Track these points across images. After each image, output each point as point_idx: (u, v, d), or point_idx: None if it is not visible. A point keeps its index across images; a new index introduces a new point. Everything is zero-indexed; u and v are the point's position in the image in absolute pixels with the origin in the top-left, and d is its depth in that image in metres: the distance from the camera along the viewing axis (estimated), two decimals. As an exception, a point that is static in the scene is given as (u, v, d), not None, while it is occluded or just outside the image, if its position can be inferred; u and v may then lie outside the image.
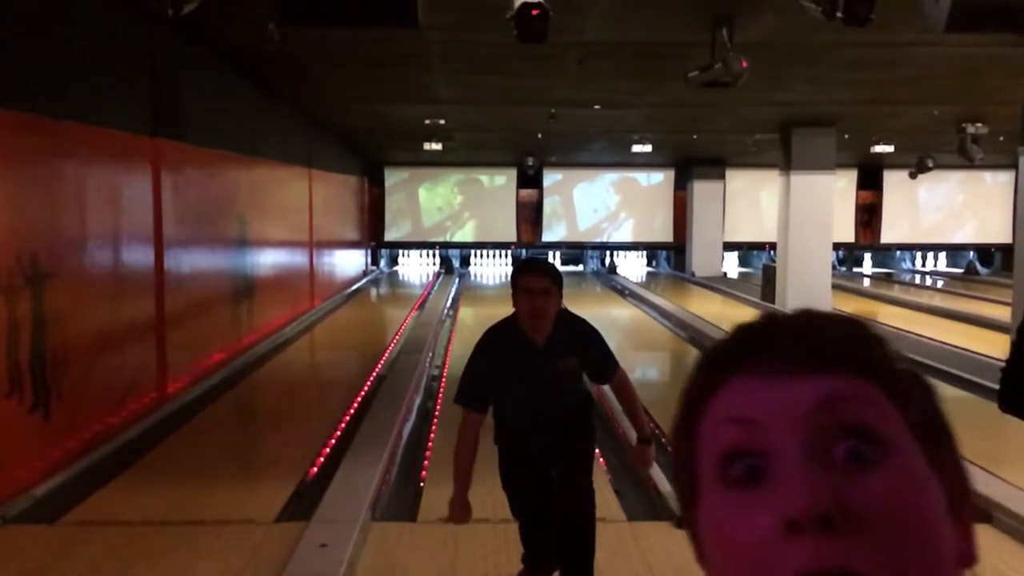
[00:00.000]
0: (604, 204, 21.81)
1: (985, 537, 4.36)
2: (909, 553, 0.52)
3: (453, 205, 21.92)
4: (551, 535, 3.39)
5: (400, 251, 22.54)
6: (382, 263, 22.12)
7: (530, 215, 21.86)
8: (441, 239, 21.94)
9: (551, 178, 21.72)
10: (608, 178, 21.59)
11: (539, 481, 3.41)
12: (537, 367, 3.25)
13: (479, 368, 3.34)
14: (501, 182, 21.84)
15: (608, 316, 12.58)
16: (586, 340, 3.43)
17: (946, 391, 7.94)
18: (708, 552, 0.58)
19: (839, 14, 4.78)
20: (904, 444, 0.55)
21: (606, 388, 4.07)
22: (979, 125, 13.01)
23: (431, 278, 20.05)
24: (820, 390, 0.55)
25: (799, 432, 0.54)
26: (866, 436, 0.54)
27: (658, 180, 22.14)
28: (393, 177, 21.66)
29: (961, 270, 23.13)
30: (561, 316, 3.33)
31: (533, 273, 3.25)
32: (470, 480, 3.35)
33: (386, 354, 9.51)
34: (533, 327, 3.24)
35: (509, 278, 3.44)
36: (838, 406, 0.55)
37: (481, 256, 22.64)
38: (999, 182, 22.18)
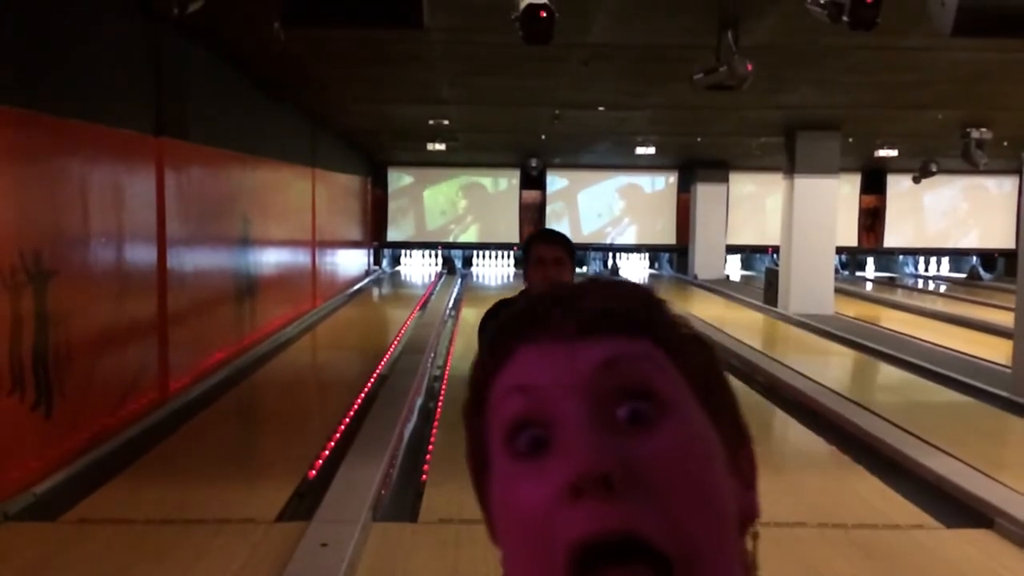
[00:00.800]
0: (608, 208, 21.81)
1: (986, 542, 4.35)
2: (691, 511, 0.52)
3: (457, 208, 21.93)
4: None
5: (402, 251, 22.56)
6: (384, 263, 22.12)
7: (533, 216, 21.86)
8: (444, 240, 21.96)
9: (556, 184, 21.71)
10: (612, 184, 21.59)
11: None
12: None
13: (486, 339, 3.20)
14: (504, 185, 21.83)
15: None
16: None
17: (948, 396, 7.93)
18: (497, 529, 0.57)
19: (845, 18, 4.78)
20: (684, 401, 0.55)
21: None
22: (983, 130, 12.99)
23: (433, 278, 20.05)
24: (598, 353, 0.55)
25: (580, 397, 0.54)
26: (647, 396, 0.54)
27: (661, 186, 22.14)
28: (397, 181, 21.67)
29: (964, 275, 23.09)
30: None
31: (546, 242, 3.11)
32: None
33: (388, 354, 9.51)
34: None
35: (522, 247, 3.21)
36: (618, 367, 0.55)
37: (483, 257, 22.64)
38: (1003, 187, 22.16)
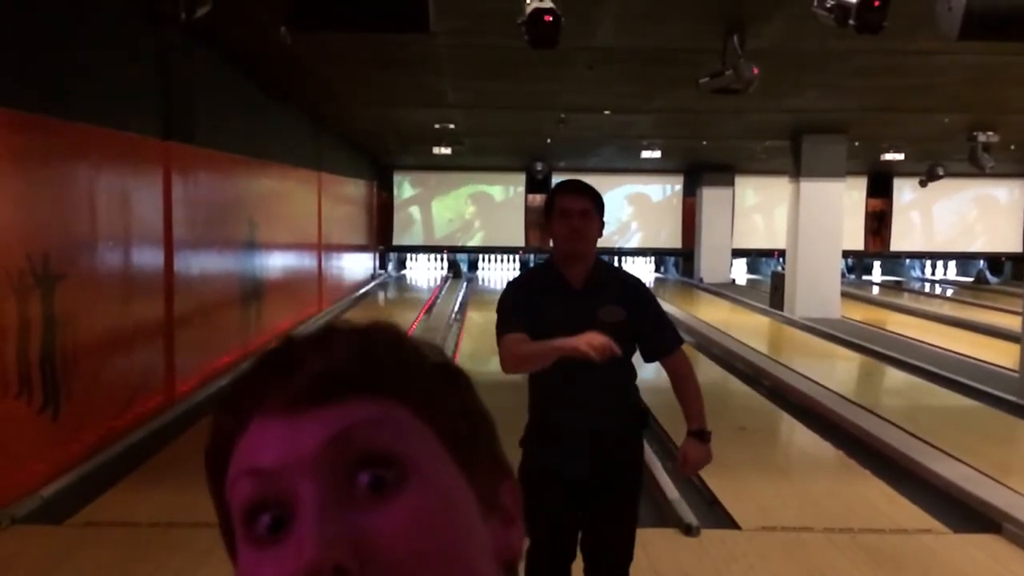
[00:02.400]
0: (615, 216, 21.79)
1: (994, 547, 4.34)
2: None
3: (464, 215, 21.93)
4: None
5: (408, 255, 22.57)
6: (390, 267, 22.14)
7: (539, 220, 21.85)
8: (450, 243, 21.97)
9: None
10: (618, 187, 21.58)
11: (567, 514, 2.77)
12: (574, 313, 2.64)
13: (511, 302, 2.78)
14: (511, 192, 21.83)
15: (616, 322, 12.53)
16: (639, 293, 2.85)
17: (955, 400, 7.91)
18: None
19: (851, 21, 4.77)
20: (429, 459, 0.52)
21: None
22: (990, 134, 12.96)
23: (439, 282, 20.05)
24: (330, 425, 0.51)
25: (311, 477, 0.50)
26: (387, 462, 0.50)
27: (667, 190, 22.13)
28: (403, 187, 21.69)
29: (971, 279, 23.02)
30: (605, 263, 2.88)
31: (572, 192, 2.77)
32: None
33: (394, 358, 9.51)
34: (569, 254, 2.74)
35: (544, 203, 2.90)
36: (351, 439, 0.51)
37: (489, 261, 22.64)
38: (1010, 191, 22.09)
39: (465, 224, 21.97)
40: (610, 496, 2.80)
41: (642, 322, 2.80)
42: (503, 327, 2.72)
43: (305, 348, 0.55)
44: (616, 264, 2.95)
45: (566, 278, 2.76)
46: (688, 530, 4.41)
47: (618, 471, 2.81)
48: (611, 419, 2.81)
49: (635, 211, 22.07)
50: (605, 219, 2.84)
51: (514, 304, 2.77)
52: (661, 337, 2.85)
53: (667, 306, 14.79)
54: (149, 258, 6.60)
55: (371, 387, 0.53)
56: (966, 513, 4.87)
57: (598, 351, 2.43)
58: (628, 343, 2.72)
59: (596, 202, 2.79)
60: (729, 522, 4.68)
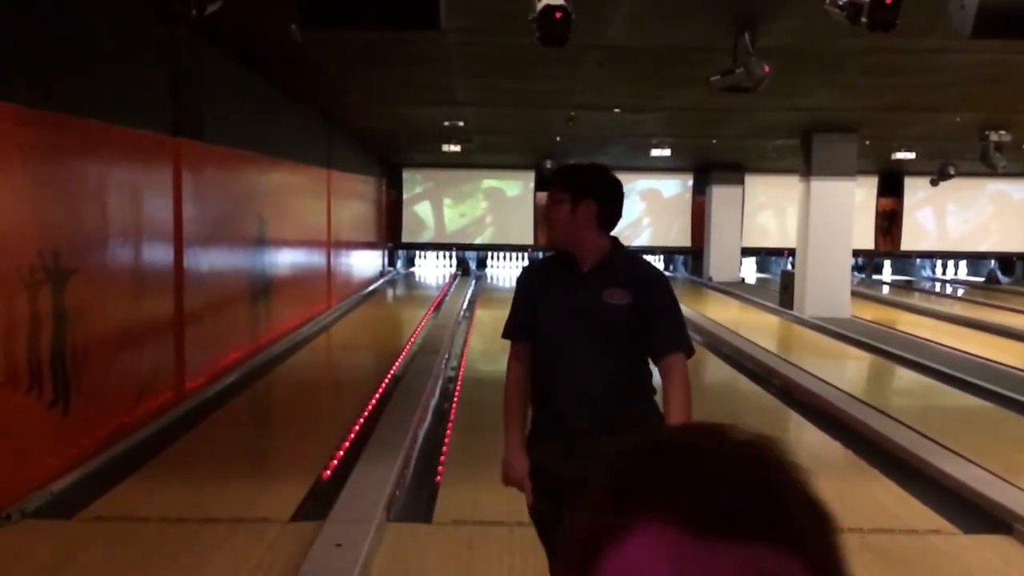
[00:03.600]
0: (624, 214, 21.72)
1: (1005, 548, 4.31)
2: None
3: (473, 212, 21.94)
4: None
5: (417, 252, 22.60)
6: (399, 264, 22.17)
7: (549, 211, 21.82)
8: (459, 241, 21.98)
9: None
10: (628, 186, 21.54)
11: (546, 513, 2.65)
12: (576, 294, 2.62)
13: (518, 292, 2.78)
14: (520, 190, 21.82)
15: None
16: (652, 283, 2.69)
17: (966, 400, 7.87)
18: None
19: (863, 19, 4.74)
20: None
21: None
22: (1002, 133, 12.89)
23: (447, 279, 20.07)
24: (744, 569, 0.49)
25: None
26: None
27: (677, 189, 22.09)
28: (412, 182, 21.70)
29: (982, 278, 22.91)
30: (623, 249, 2.76)
31: (551, 185, 2.77)
32: (522, 427, 2.72)
33: (402, 355, 9.53)
34: (553, 242, 2.76)
35: None
36: None
37: (498, 258, 22.64)
38: (1022, 190, 21.97)
39: (474, 222, 21.98)
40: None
41: (647, 310, 2.62)
42: (506, 328, 2.79)
43: (700, 459, 0.52)
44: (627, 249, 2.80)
45: (576, 261, 2.68)
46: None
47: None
48: (600, 419, 2.58)
49: (644, 209, 22.04)
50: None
51: (516, 299, 2.77)
52: (663, 332, 2.63)
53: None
54: (159, 254, 6.62)
55: (780, 535, 0.51)
56: (977, 514, 4.84)
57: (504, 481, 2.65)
58: (631, 332, 2.60)
59: (568, 187, 2.67)
60: (738, 521, 4.66)
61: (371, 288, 17.32)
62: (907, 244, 22.40)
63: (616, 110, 11.76)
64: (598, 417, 2.58)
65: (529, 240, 21.87)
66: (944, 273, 23.59)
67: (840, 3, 4.88)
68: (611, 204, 2.69)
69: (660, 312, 2.64)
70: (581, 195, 2.64)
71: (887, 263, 23.43)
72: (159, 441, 5.96)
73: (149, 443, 5.88)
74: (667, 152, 16.25)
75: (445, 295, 16.41)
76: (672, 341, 2.63)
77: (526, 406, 2.73)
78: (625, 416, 2.59)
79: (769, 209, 21.89)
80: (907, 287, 21.08)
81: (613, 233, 2.73)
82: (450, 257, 22.46)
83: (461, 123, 13.34)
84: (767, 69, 6.37)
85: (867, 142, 14.28)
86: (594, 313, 2.60)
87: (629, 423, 2.56)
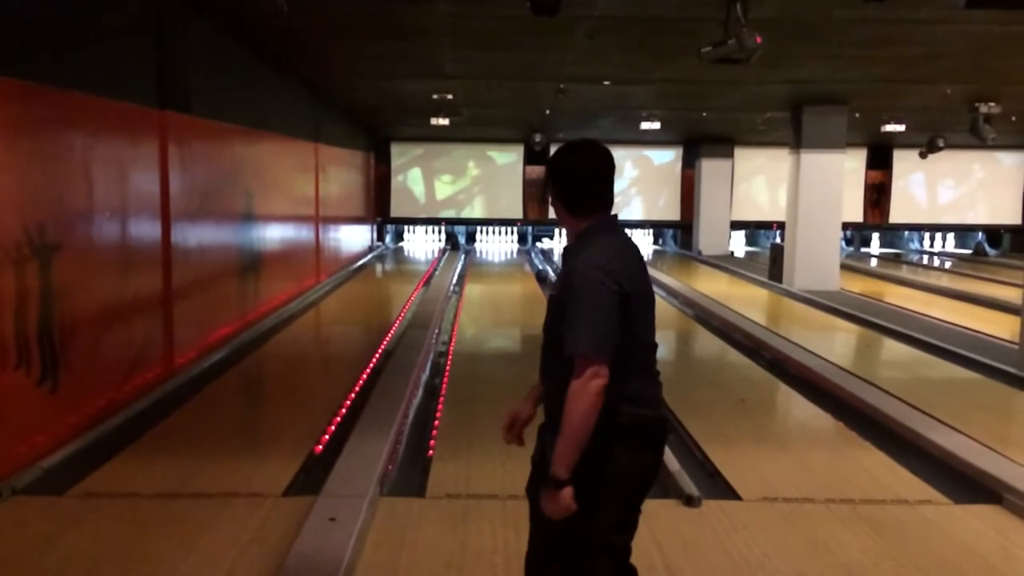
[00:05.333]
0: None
1: (995, 518, 4.35)
2: None
3: (461, 183, 21.85)
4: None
5: (406, 227, 22.52)
6: (388, 239, 22.09)
7: (536, 192, 21.77)
8: (448, 215, 21.90)
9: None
10: (618, 164, 21.46)
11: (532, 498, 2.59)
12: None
13: None
14: (509, 159, 21.74)
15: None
16: (569, 272, 2.43)
17: (955, 372, 7.91)
18: None
19: (857, -12, 4.70)
20: None
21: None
22: (992, 104, 12.89)
23: (437, 254, 20.02)
24: None
25: None
26: None
27: (666, 160, 22.03)
28: (400, 156, 21.58)
29: (970, 251, 23.02)
30: (591, 230, 2.49)
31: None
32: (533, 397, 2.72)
33: (392, 329, 9.50)
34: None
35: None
36: None
37: (487, 232, 22.59)
38: (1010, 162, 22.02)
39: (463, 196, 21.89)
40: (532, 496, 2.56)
41: (562, 303, 2.40)
42: None
43: None
44: (609, 231, 2.49)
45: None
46: (689, 501, 4.41)
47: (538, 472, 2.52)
48: (548, 417, 2.51)
49: (633, 183, 22.00)
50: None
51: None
52: (567, 330, 2.35)
53: (665, 278, 14.84)
54: (146, 229, 6.55)
55: None
56: (966, 484, 4.88)
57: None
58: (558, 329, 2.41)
59: (547, 171, 2.57)
60: (730, 493, 4.68)
61: (360, 263, 17.26)
62: (895, 217, 22.46)
63: (606, 83, 11.68)
64: (543, 433, 2.53)
65: (518, 214, 21.81)
66: (932, 246, 23.69)
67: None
68: (565, 182, 2.50)
69: (565, 309, 2.38)
70: (549, 176, 2.55)
71: (875, 236, 23.50)
72: (149, 417, 5.93)
73: (139, 419, 5.86)
74: (657, 125, 16.19)
75: (434, 270, 16.37)
76: (568, 343, 2.35)
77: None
78: (549, 417, 2.51)
79: (758, 182, 21.88)
80: (895, 260, 21.15)
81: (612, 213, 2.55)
82: (439, 231, 22.39)
83: (450, 96, 13.23)
84: (759, 40, 6.31)
85: (857, 115, 14.25)
86: (548, 309, 2.51)
87: (549, 426, 2.48)
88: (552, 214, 23.20)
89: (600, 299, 2.33)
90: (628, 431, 2.44)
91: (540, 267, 17.19)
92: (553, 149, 20.80)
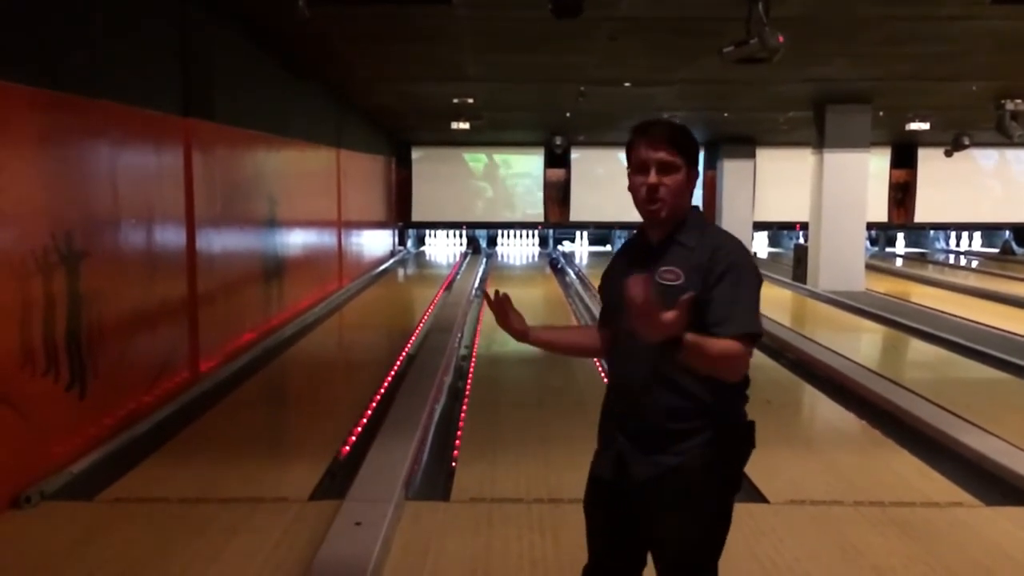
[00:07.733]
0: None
1: (1022, 518, 4.28)
2: None
3: (482, 187, 21.87)
4: None
5: (427, 231, 22.56)
6: (409, 243, 22.14)
7: (558, 194, 21.76)
8: (469, 219, 21.92)
9: (581, 162, 21.55)
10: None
11: (596, 514, 2.42)
12: (634, 274, 2.02)
13: (601, 284, 2.50)
14: (529, 162, 21.73)
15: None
16: (713, 256, 2.20)
17: (983, 372, 7.81)
18: None
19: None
20: None
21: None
22: (1018, 101, 12.73)
23: (458, 258, 20.04)
24: None
25: None
26: None
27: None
28: (421, 160, 21.62)
29: (996, 249, 22.73)
30: (698, 217, 2.32)
31: (646, 138, 2.24)
32: (550, 333, 2.68)
33: (415, 334, 9.52)
34: (647, 217, 2.28)
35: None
36: None
37: (508, 236, 22.59)
38: (1037, 160, 21.74)
39: (484, 199, 21.91)
40: (642, 501, 2.30)
41: (705, 289, 2.16)
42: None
43: None
44: (718, 227, 2.38)
45: (647, 236, 2.33)
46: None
47: (654, 461, 2.28)
48: (649, 421, 2.27)
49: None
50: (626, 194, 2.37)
51: (601, 288, 2.50)
52: (716, 314, 2.15)
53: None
54: (171, 236, 6.60)
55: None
56: (997, 486, 4.81)
57: (634, 297, 1.92)
58: (689, 317, 1.99)
59: (680, 147, 2.23)
60: (757, 496, 4.64)
61: (382, 268, 17.31)
62: (921, 216, 22.23)
63: (627, 84, 11.64)
64: (629, 421, 2.40)
65: (540, 217, 21.80)
66: (958, 245, 23.42)
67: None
68: (697, 167, 2.33)
69: (719, 292, 2.21)
70: (691, 161, 2.27)
71: (900, 235, 23.27)
72: (176, 423, 5.97)
73: (166, 425, 5.90)
74: (678, 126, 16.10)
75: (456, 274, 16.38)
76: (726, 326, 2.20)
77: (570, 340, 2.76)
78: (657, 421, 2.34)
79: (780, 182, 21.73)
80: (921, 259, 20.93)
81: (624, 208, 2.53)
82: (460, 236, 22.41)
83: (471, 100, 13.25)
84: (781, 39, 6.27)
85: (881, 113, 14.13)
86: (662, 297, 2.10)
87: (663, 431, 2.33)
88: (573, 215, 23.06)
89: (758, 283, 2.30)
90: (751, 432, 2.41)
91: (555, 257, 17.13)
92: (574, 152, 20.74)
